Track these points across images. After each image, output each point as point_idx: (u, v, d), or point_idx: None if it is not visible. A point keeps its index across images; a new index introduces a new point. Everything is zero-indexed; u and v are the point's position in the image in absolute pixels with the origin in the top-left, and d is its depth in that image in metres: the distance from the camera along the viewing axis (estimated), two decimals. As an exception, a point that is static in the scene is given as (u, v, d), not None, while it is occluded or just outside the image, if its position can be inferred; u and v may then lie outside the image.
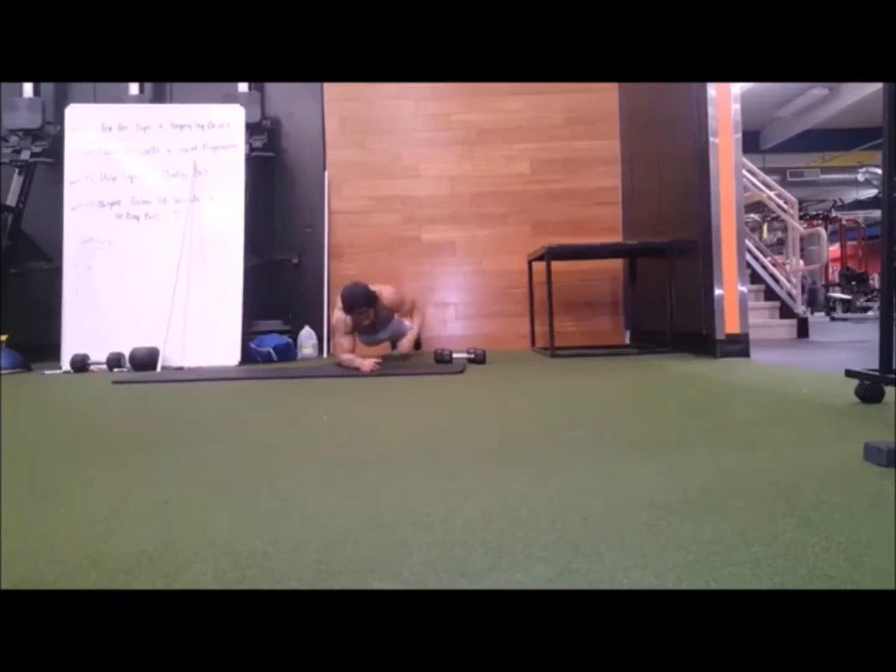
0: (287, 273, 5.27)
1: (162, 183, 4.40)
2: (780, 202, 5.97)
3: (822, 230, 6.75)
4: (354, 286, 3.47)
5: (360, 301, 3.42)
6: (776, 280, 5.99)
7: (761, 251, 6.41)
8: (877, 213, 11.37)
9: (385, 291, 3.58)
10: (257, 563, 0.80)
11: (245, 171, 4.44)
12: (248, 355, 4.30)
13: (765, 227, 12.57)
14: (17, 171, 4.88)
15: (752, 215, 10.43)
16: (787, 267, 6.15)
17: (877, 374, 1.79)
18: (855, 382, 1.89)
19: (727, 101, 3.65)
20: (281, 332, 4.69)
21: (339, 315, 3.51)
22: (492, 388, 2.79)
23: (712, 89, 3.65)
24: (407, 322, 3.83)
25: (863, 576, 0.71)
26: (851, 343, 5.01)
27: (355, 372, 3.35)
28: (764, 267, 6.10)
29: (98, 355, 4.01)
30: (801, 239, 6.45)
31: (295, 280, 5.27)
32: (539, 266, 4.75)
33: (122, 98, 5.05)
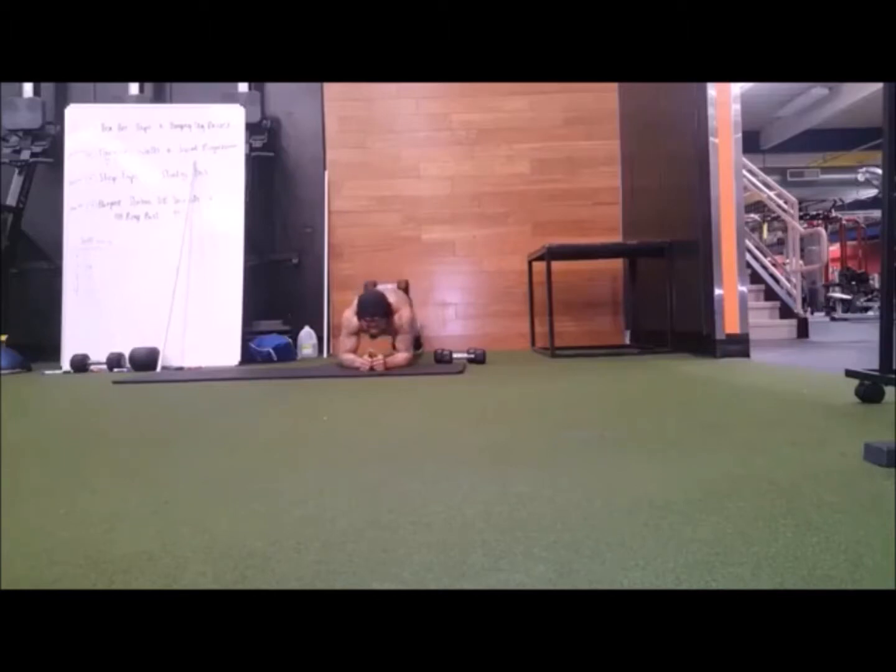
0: (287, 273, 5.27)
1: (162, 183, 4.40)
2: (780, 202, 5.97)
3: (822, 230, 6.76)
4: (374, 294, 3.46)
5: (371, 310, 3.42)
6: (776, 280, 5.99)
7: (761, 251, 6.41)
8: (877, 213, 11.37)
9: (404, 313, 3.54)
10: (257, 563, 0.80)
11: (245, 171, 4.44)
12: (247, 355, 4.30)
13: (765, 227, 12.58)
14: (17, 171, 4.88)
15: (752, 215, 10.44)
16: (787, 267, 6.15)
17: (877, 374, 1.79)
18: (855, 382, 1.88)
19: (727, 101, 3.65)
20: (281, 332, 4.69)
21: (348, 314, 3.52)
22: (492, 388, 2.79)
23: (712, 89, 3.65)
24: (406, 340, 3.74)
25: (863, 576, 0.71)
26: (851, 343, 5.01)
27: (355, 372, 3.35)
28: (764, 267, 6.11)
29: (98, 355, 4.01)
30: (801, 239, 6.45)
31: (295, 280, 5.27)
32: (539, 266, 4.75)
33: (122, 98, 5.05)
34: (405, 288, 4.25)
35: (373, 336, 3.59)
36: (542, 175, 5.28)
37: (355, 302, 3.49)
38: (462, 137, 5.33)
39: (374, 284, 4.23)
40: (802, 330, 5.56)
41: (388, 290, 3.98)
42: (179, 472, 1.33)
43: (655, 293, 4.36)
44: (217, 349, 4.18)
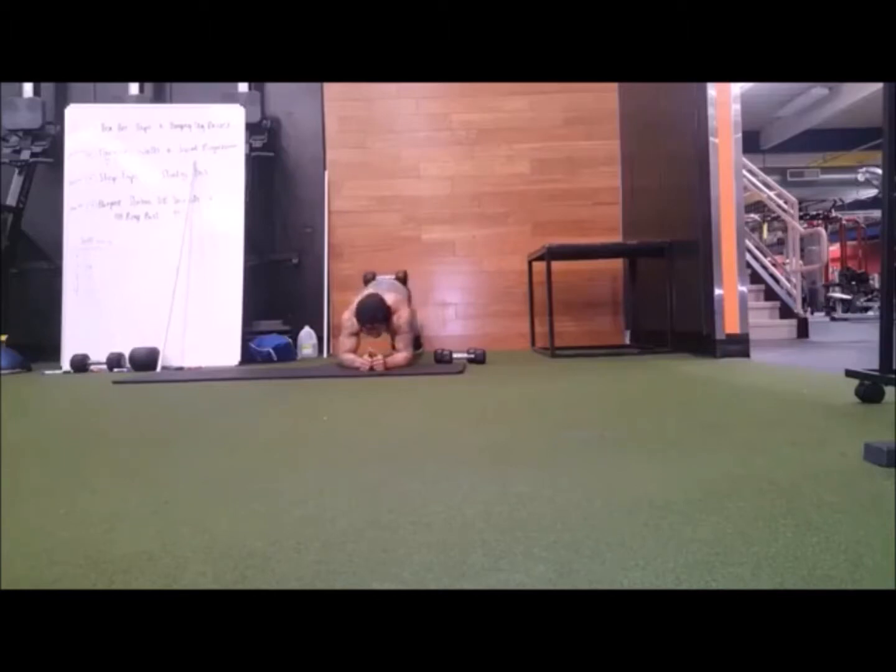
0: (287, 273, 5.27)
1: (162, 183, 4.40)
2: (780, 202, 5.97)
3: (822, 230, 6.76)
4: (372, 300, 3.46)
5: (370, 317, 3.43)
6: (776, 280, 5.99)
7: (761, 251, 6.41)
8: (877, 213, 11.36)
9: (403, 314, 3.53)
10: (257, 563, 0.80)
11: (245, 171, 4.44)
12: (247, 355, 4.30)
13: (765, 227, 12.58)
14: (17, 171, 4.88)
15: (752, 215, 10.44)
16: (787, 267, 6.15)
17: (877, 374, 1.79)
18: (855, 382, 1.88)
19: (727, 101, 3.65)
20: (281, 332, 4.69)
21: (347, 315, 3.52)
22: (492, 388, 2.79)
23: (712, 89, 3.65)
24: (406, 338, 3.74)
25: (863, 576, 0.71)
26: (851, 343, 5.01)
27: (355, 372, 3.35)
28: (764, 267, 6.11)
29: (98, 355, 4.01)
30: (801, 239, 6.45)
31: (295, 280, 5.27)
32: (539, 266, 4.75)
33: (122, 98, 5.05)
34: (403, 278, 4.25)
35: (374, 336, 3.59)
36: (542, 175, 5.28)
37: (355, 303, 3.50)
38: (462, 137, 5.33)
39: (374, 276, 4.24)
40: (802, 330, 5.56)
41: (387, 282, 3.99)
42: (179, 472, 1.33)
43: (655, 293, 4.36)
44: (217, 349, 4.18)
